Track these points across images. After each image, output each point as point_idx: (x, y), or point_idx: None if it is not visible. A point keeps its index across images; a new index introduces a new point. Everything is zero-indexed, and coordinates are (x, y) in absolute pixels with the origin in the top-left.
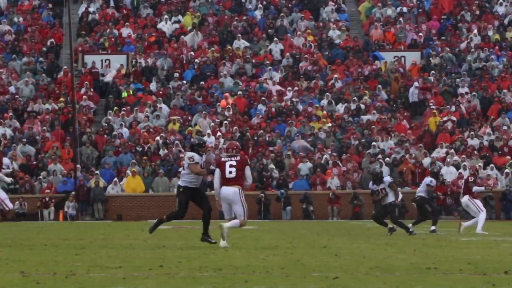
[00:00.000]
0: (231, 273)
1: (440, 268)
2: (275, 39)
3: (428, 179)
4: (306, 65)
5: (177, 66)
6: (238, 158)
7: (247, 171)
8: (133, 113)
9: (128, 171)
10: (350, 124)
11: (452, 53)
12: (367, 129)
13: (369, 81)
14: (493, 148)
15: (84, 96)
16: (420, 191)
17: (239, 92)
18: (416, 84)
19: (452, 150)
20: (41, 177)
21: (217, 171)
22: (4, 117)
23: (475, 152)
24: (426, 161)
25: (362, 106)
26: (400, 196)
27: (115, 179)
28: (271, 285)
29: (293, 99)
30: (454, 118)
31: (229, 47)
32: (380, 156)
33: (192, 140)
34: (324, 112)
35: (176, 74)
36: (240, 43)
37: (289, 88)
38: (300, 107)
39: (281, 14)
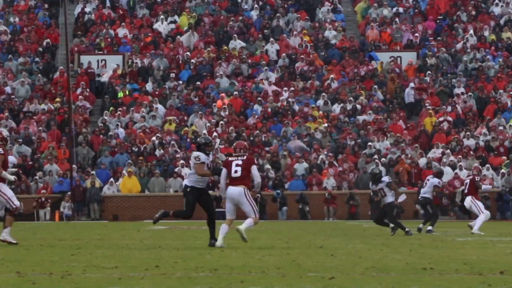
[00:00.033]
0: (227, 273)
1: (436, 268)
2: (271, 39)
3: (435, 180)
4: (302, 66)
5: (173, 66)
6: (245, 157)
7: (254, 170)
8: (129, 113)
9: (124, 172)
10: (346, 124)
11: (448, 53)
12: (363, 129)
13: (365, 81)
14: (489, 148)
15: (80, 97)
16: (426, 192)
17: (235, 93)
18: (412, 84)
19: (448, 151)
20: (37, 177)
21: (224, 171)
22: (0, 117)
23: (471, 152)
24: (422, 161)
25: (358, 106)
26: (404, 197)
27: (111, 179)
28: (267, 285)
29: (289, 100)
30: (450, 119)
31: (225, 47)
32: (376, 156)
33: (198, 139)
34: (320, 112)
35: (172, 75)
36: (236, 44)
37: (285, 88)
38: (296, 107)
39: (277, 14)
